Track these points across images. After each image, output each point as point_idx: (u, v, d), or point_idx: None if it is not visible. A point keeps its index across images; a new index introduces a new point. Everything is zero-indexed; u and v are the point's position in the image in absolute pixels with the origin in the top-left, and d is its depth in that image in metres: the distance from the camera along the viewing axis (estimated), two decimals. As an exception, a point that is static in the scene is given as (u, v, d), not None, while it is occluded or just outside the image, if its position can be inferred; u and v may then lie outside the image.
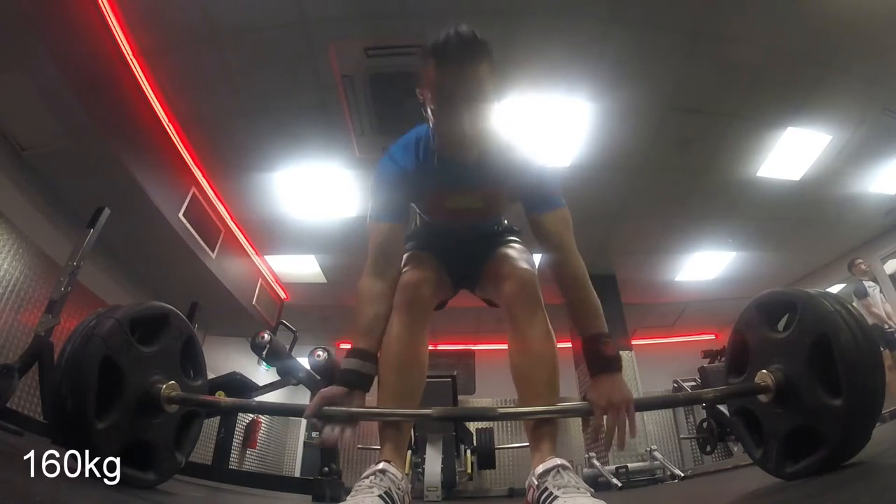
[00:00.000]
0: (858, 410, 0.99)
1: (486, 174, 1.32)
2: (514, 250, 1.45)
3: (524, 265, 1.36)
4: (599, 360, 1.22)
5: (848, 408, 0.98)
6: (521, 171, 1.32)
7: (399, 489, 1.11)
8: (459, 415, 1.29)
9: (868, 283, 4.95)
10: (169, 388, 1.21)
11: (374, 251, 1.33)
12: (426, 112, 1.21)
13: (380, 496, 1.04)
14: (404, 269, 1.40)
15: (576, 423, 6.69)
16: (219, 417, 3.34)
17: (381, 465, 1.14)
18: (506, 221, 1.65)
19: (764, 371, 1.13)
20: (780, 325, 1.16)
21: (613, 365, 1.21)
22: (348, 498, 1.04)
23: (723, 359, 6.70)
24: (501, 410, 1.20)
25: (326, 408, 1.15)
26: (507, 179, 1.33)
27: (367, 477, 1.11)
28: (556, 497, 1.02)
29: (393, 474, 1.13)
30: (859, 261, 5.15)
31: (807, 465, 1.05)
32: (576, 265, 1.30)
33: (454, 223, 1.49)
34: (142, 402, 1.16)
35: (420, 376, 1.35)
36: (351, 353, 1.23)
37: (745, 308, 1.29)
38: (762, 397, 1.14)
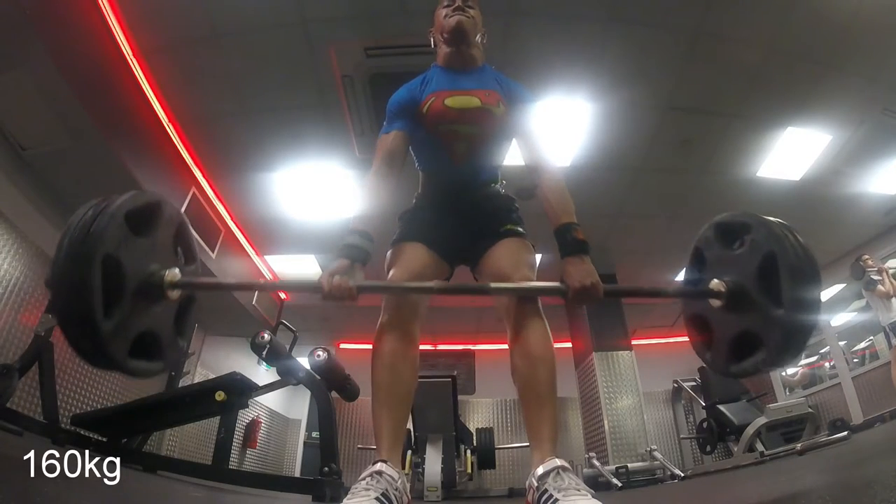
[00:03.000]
0: (796, 321, 1.12)
1: (481, 79, 1.59)
2: (517, 249, 1.45)
3: (526, 272, 1.38)
4: (571, 244, 1.33)
5: (788, 318, 1.11)
6: (509, 85, 1.60)
7: (396, 490, 1.12)
8: (457, 287, 1.39)
9: (876, 277, 4.95)
10: (170, 274, 1.22)
11: (380, 154, 1.49)
12: (436, 44, 1.68)
13: (377, 499, 1.04)
14: (390, 266, 1.44)
15: (576, 423, 6.70)
16: (219, 417, 3.33)
17: (377, 466, 1.15)
18: (504, 191, 1.64)
19: (717, 280, 1.27)
20: (735, 245, 1.31)
21: (583, 248, 1.32)
22: (345, 501, 1.05)
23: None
24: (494, 286, 1.31)
25: (337, 277, 1.21)
26: (499, 89, 1.57)
27: (363, 479, 1.12)
28: (556, 500, 1.02)
29: (389, 475, 1.13)
30: (866, 256, 5.17)
31: (748, 365, 1.19)
32: (555, 170, 1.49)
33: (455, 135, 1.54)
34: (144, 292, 1.17)
35: (412, 374, 1.36)
36: (351, 232, 1.33)
37: (705, 227, 1.42)
38: (714, 301, 1.27)
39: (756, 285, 1.19)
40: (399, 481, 1.15)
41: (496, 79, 1.60)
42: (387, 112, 1.58)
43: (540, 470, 1.11)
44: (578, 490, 1.04)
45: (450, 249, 1.51)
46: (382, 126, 1.58)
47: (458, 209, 1.55)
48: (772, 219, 1.24)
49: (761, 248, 1.19)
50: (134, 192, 1.23)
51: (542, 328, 1.34)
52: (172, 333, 1.30)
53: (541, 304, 1.37)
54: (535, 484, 1.11)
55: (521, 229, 1.52)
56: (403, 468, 4.89)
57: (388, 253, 1.50)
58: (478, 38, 1.61)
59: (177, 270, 1.25)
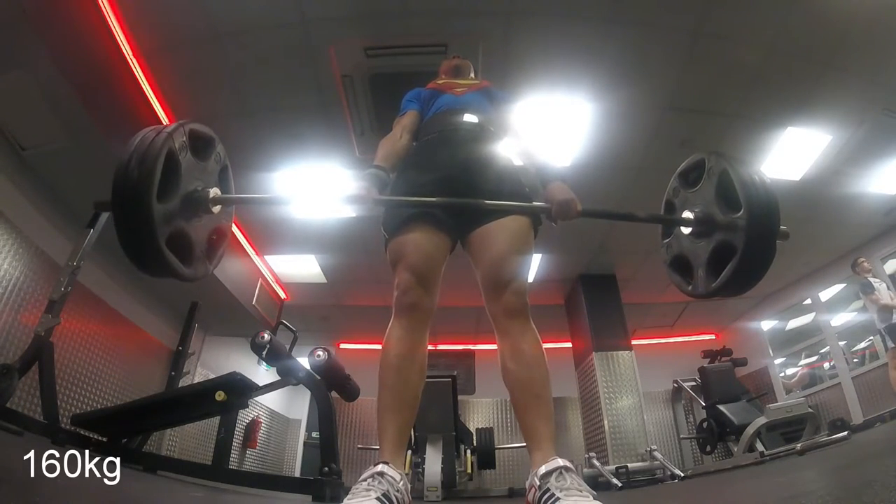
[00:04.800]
0: (756, 218, 1.25)
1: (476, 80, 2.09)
2: (520, 239, 1.44)
3: (521, 282, 1.40)
4: (552, 172, 1.56)
5: (748, 216, 1.24)
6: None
7: (398, 491, 1.12)
8: (457, 203, 1.49)
9: (873, 280, 4.97)
10: (214, 192, 1.38)
11: (399, 127, 1.77)
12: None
13: (377, 499, 1.05)
14: (394, 271, 1.43)
15: (576, 423, 6.69)
16: (219, 417, 3.33)
17: (379, 468, 1.15)
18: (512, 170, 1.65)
19: (686, 211, 1.44)
20: (696, 183, 1.47)
21: (562, 175, 1.55)
22: (345, 501, 1.05)
23: (723, 358, 6.70)
24: (489, 202, 1.43)
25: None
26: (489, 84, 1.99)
27: (364, 479, 1.12)
28: (557, 499, 1.02)
29: (391, 476, 1.13)
30: (862, 259, 5.18)
31: (725, 277, 1.30)
32: (529, 138, 1.78)
33: (456, 84, 1.94)
34: (191, 199, 1.31)
35: (419, 377, 1.38)
36: (371, 167, 1.54)
37: (671, 180, 1.58)
38: (685, 229, 1.43)
39: (717, 204, 1.33)
40: (401, 483, 1.15)
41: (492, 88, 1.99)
42: (402, 102, 1.88)
43: (542, 469, 1.11)
44: (580, 491, 1.04)
45: (444, 217, 1.47)
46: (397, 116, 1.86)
47: (452, 150, 1.60)
48: (717, 151, 1.42)
49: (716, 174, 1.35)
50: (196, 120, 1.40)
51: (533, 332, 1.37)
52: (203, 250, 1.42)
53: (529, 311, 1.39)
54: (537, 483, 1.11)
55: (524, 204, 1.49)
56: (404, 469, 4.92)
57: (390, 245, 1.48)
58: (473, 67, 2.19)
59: (218, 190, 1.40)
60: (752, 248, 1.25)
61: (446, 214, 1.46)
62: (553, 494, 1.04)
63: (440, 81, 2.01)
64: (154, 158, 1.17)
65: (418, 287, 1.39)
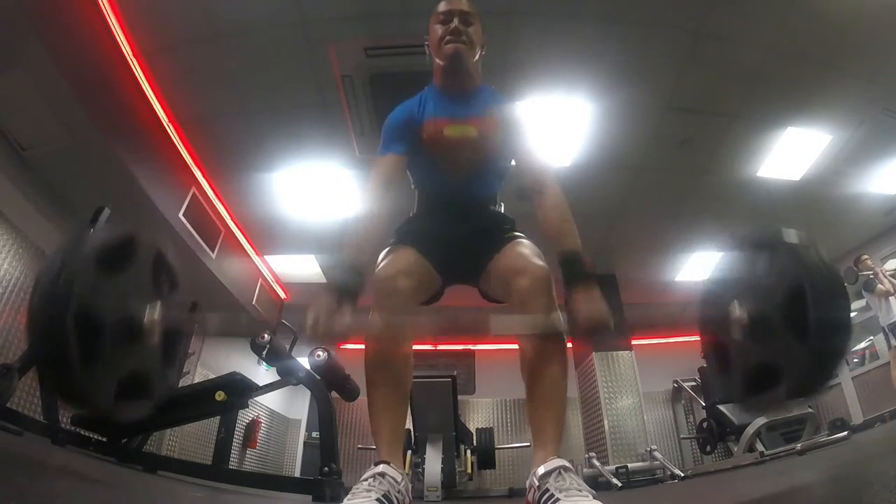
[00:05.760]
0: (822, 356, 1.04)
1: (478, 104, 1.53)
2: (526, 248, 1.39)
3: (539, 261, 1.32)
4: (578, 275, 1.26)
5: (812, 352, 1.03)
6: (505, 109, 1.53)
7: (398, 492, 1.11)
8: (458, 325, 1.33)
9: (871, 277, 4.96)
10: (150, 312, 1.16)
11: (375, 178, 1.43)
12: (431, 59, 1.57)
13: (377, 500, 1.04)
14: (380, 264, 1.37)
15: (576, 423, 6.69)
16: (219, 417, 3.33)
17: (380, 468, 1.14)
18: (503, 209, 1.59)
19: (738, 306, 1.19)
20: (759, 264, 1.22)
21: (591, 278, 1.26)
22: (346, 501, 1.04)
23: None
24: (495, 322, 1.24)
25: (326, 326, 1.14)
26: (496, 114, 1.51)
27: (365, 479, 1.11)
28: (557, 499, 1.01)
29: (392, 477, 1.12)
30: (865, 256, 5.17)
31: (768, 398, 1.12)
32: (556, 191, 1.40)
33: (454, 159, 1.51)
34: (124, 335, 1.12)
35: (407, 372, 1.33)
36: (342, 268, 1.29)
37: (727, 237, 1.34)
38: (734, 328, 1.19)
39: (780, 315, 1.09)
40: (402, 483, 1.14)
41: (493, 100, 1.55)
42: (383, 133, 1.52)
43: (541, 469, 1.10)
44: (580, 490, 1.03)
45: (446, 265, 1.46)
46: (379, 146, 1.52)
47: (456, 225, 1.50)
48: (802, 238, 1.16)
49: (788, 276, 1.10)
50: (105, 227, 1.19)
51: (557, 323, 1.27)
52: (161, 368, 1.26)
53: (553, 299, 1.28)
54: (537, 483, 1.10)
55: (524, 236, 1.46)
56: (404, 468, 4.91)
57: (381, 255, 1.43)
58: (477, 56, 1.54)
59: (157, 306, 1.19)
60: (807, 383, 1.06)
61: (445, 265, 1.46)
62: (552, 495, 1.03)
63: (431, 122, 1.52)
64: (62, 330, 0.98)
65: (403, 276, 1.32)
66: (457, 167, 1.51)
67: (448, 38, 1.48)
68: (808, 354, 1.04)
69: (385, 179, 1.43)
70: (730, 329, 1.20)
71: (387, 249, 1.44)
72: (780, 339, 1.09)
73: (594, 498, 1.01)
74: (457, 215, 1.51)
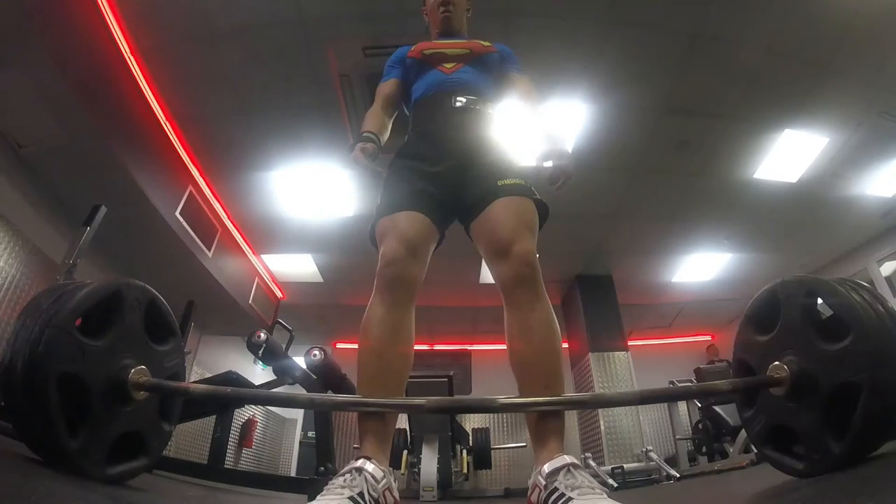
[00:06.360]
0: (874, 334, 0.96)
1: (463, 38, 1.88)
2: (516, 210, 1.32)
3: (526, 244, 1.25)
4: (551, 138, 1.57)
5: (861, 336, 0.96)
6: (494, 47, 1.80)
7: (374, 490, 1.01)
8: (456, 406, 1.21)
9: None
10: (137, 373, 1.11)
11: (379, 98, 1.74)
12: (427, 24, 2.02)
13: (350, 498, 0.96)
14: (381, 244, 1.32)
15: (572, 424, 6.70)
16: (214, 416, 3.32)
17: (358, 463, 1.06)
18: (503, 155, 1.51)
19: (777, 363, 1.09)
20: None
21: (561, 144, 1.55)
22: (318, 497, 0.97)
23: (719, 360, 6.64)
24: (502, 401, 1.10)
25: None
26: (481, 41, 1.80)
27: (342, 475, 1.04)
28: (570, 499, 0.94)
29: (370, 473, 1.04)
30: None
31: (856, 429, 0.97)
32: (536, 98, 1.74)
33: (444, 56, 1.73)
34: (113, 396, 1.08)
35: (404, 363, 1.25)
36: (363, 133, 1.58)
37: (755, 297, 1.26)
38: (776, 391, 1.10)
39: (812, 341, 1.03)
40: (383, 481, 1.05)
41: (478, 39, 1.85)
42: (385, 67, 1.86)
43: (547, 467, 1.03)
44: (593, 489, 0.97)
45: (440, 206, 1.40)
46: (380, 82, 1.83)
47: (450, 139, 1.49)
48: (845, 282, 1.06)
49: (793, 303, 1.04)
50: (86, 288, 1.10)
51: (545, 311, 1.25)
52: (155, 425, 1.21)
53: (540, 281, 1.26)
54: (543, 482, 1.02)
55: (521, 182, 1.38)
56: (399, 468, 4.88)
57: (378, 223, 1.38)
58: (464, 18, 1.94)
59: (144, 369, 1.14)
60: (881, 374, 0.93)
61: (446, 201, 1.40)
62: (563, 494, 0.96)
63: (428, 52, 1.74)
64: (44, 402, 0.94)
65: (407, 257, 1.26)
66: (447, 59, 1.71)
67: (440, 8, 1.88)
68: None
69: (385, 98, 1.73)
70: (773, 395, 1.13)
71: (383, 219, 1.37)
72: (830, 368, 1.01)
73: (609, 497, 0.95)
74: (451, 111, 1.59)
